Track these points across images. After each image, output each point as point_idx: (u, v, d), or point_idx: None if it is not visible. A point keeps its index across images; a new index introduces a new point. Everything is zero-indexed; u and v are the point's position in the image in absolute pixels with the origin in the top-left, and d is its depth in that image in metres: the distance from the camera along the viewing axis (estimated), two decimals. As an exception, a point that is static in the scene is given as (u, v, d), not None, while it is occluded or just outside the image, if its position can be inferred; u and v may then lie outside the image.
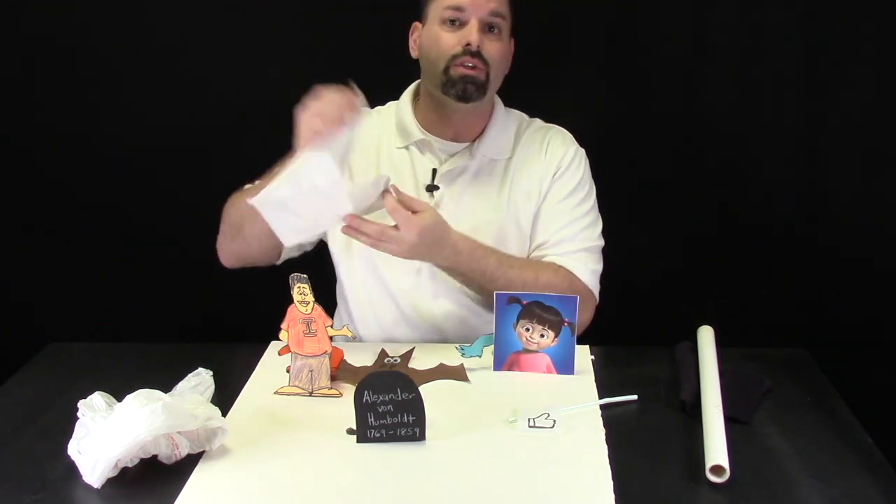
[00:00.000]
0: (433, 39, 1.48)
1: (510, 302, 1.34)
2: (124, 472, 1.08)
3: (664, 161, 2.04)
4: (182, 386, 1.27)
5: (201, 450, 1.12)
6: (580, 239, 1.53)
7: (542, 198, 1.55)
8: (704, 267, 2.06)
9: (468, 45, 1.44)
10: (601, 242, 1.56)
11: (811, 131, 2.00)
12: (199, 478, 1.08)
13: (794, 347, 1.47)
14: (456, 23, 1.45)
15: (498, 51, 1.47)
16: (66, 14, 1.98)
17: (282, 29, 1.99)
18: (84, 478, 1.07)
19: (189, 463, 1.10)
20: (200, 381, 1.28)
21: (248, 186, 1.52)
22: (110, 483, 1.07)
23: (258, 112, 1.93)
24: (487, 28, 1.46)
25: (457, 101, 1.47)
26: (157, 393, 1.13)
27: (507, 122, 1.59)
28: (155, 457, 1.09)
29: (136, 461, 1.09)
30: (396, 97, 1.62)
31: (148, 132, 2.03)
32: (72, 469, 1.10)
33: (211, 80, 1.96)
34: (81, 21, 1.98)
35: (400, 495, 1.04)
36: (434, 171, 1.55)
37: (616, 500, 1.02)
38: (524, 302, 1.34)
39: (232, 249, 1.52)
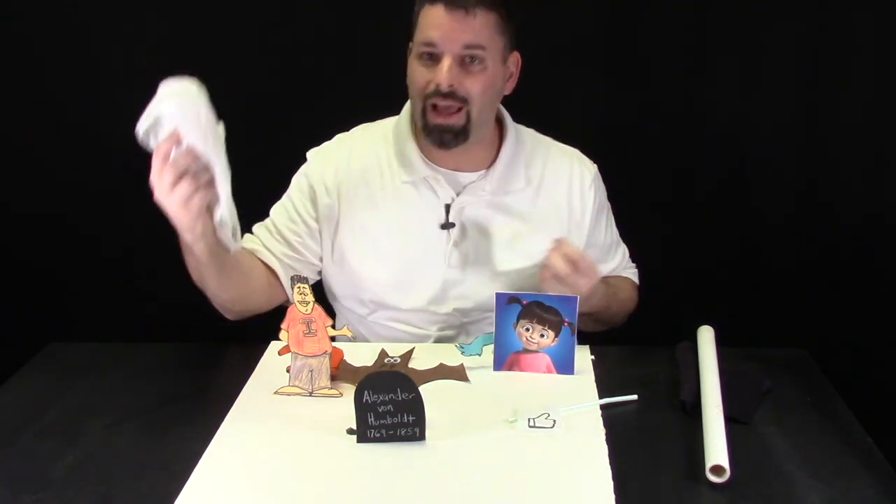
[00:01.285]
0: (411, 74, 1.40)
1: (510, 302, 1.34)
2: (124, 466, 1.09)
3: (663, 161, 2.04)
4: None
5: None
6: (624, 253, 1.66)
7: (587, 230, 1.54)
8: (705, 267, 2.07)
9: (438, 84, 1.35)
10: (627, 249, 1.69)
11: (812, 131, 2.00)
12: (199, 477, 1.08)
13: (794, 347, 1.46)
14: (431, 57, 1.36)
15: (478, 85, 1.37)
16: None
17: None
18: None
19: (188, 462, 1.10)
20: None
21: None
22: (109, 475, 1.08)
23: (256, 114, 1.93)
24: (468, 60, 1.36)
25: (437, 148, 1.42)
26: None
27: (518, 146, 1.50)
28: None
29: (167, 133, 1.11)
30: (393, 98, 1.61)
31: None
32: (72, 468, 1.10)
33: (211, 82, 1.96)
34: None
35: (400, 495, 1.04)
36: (447, 206, 1.47)
37: (616, 500, 1.02)
38: (524, 302, 1.34)
39: (221, 305, 1.44)
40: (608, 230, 1.61)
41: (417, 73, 1.38)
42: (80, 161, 2.07)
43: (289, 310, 1.27)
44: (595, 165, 1.59)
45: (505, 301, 1.34)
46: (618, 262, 1.64)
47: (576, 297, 1.34)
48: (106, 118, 2.03)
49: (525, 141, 1.53)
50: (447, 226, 1.48)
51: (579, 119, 1.67)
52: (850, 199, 2.01)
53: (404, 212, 1.47)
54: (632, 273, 1.68)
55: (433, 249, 1.48)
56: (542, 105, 1.68)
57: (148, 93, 1.15)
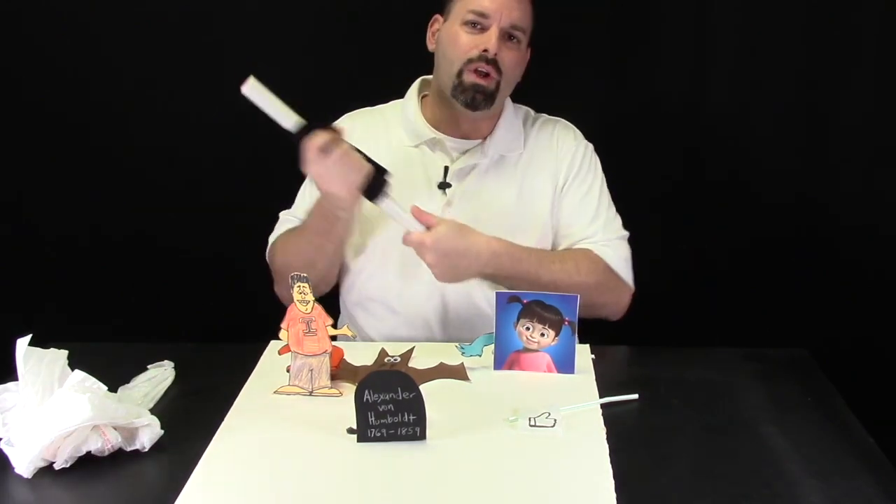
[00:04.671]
0: (452, 38, 1.50)
1: (510, 301, 1.35)
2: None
3: (664, 160, 2.05)
4: (139, 378, 1.30)
5: (134, 448, 1.14)
6: (607, 230, 1.58)
7: (561, 194, 1.58)
8: (705, 266, 2.07)
9: (485, 51, 1.47)
10: (625, 232, 1.61)
11: (813, 131, 2.01)
12: (199, 478, 1.08)
13: (794, 347, 1.47)
14: (477, 26, 1.48)
15: (513, 60, 1.50)
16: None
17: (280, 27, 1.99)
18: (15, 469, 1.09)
19: (188, 463, 1.11)
20: (157, 374, 1.31)
21: (283, 217, 1.58)
22: (106, 476, 1.09)
23: (255, 112, 1.93)
24: (507, 37, 1.49)
25: (464, 108, 1.51)
26: (91, 383, 1.14)
27: (515, 118, 1.62)
28: (89, 453, 1.11)
29: (73, 460, 1.10)
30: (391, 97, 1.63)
31: (144, 130, 2.03)
32: (68, 470, 1.11)
33: (212, 83, 1.95)
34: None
35: (400, 495, 1.05)
36: (446, 168, 1.57)
37: (617, 500, 1.02)
38: (524, 301, 1.35)
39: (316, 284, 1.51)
40: (586, 197, 1.59)
41: (463, 38, 1.49)
42: (77, 158, 2.06)
43: (288, 309, 1.27)
44: (591, 145, 1.63)
45: (505, 300, 1.35)
46: (582, 234, 1.57)
47: (576, 297, 1.35)
48: (104, 115, 2.04)
49: (518, 112, 1.64)
50: (444, 185, 1.56)
51: (580, 117, 1.67)
52: (852, 198, 2.02)
53: (404, 172, 1.51)
54: (609, 252, 1.55)
55: (431, 206, 1.50)
56: (543, 101, 1.69)
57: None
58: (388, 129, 1.60)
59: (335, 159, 1.34)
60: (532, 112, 1.67)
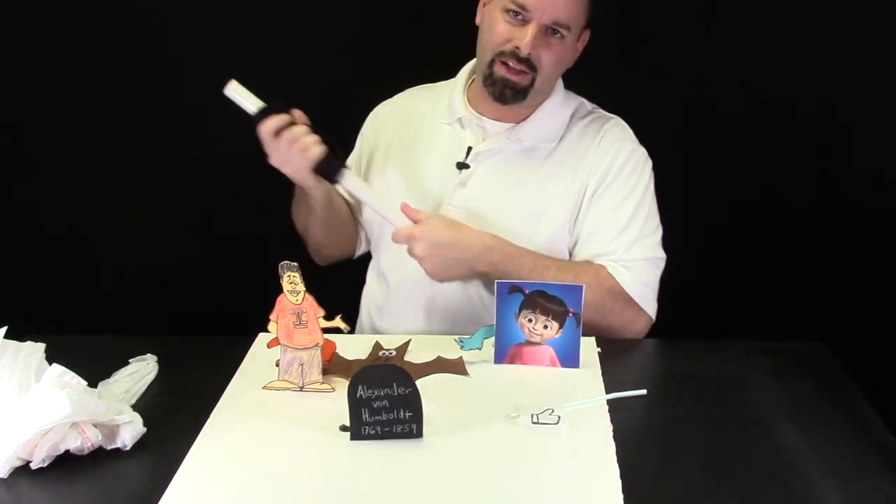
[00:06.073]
0: (491, 23, 1.48)
1: (512, 291, 1.34)
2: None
3: (675, 149, 2.03)
4: (120, 373, 1.30)
5: (115, 446, 1.13)
6: (632, 250, 1.51)
7: (591, 200, 1.52)
8: (716, 256, 2.07)
9: (517, 48, 1.44)
10: (658, 254, 1.54)
11: (828, 114, 2.00)
12: (183, 478, 1.08)
13: (810, 340, 1.46)
14: (518, 16, 1.44)
15: (552, 57, 1.47)
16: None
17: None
18: None
19: (172, 461, 1.10)
20: (139, 369, 1.31)
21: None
22: (89, 475, 1.09)
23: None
24: (550, 31, 1.45)
25: (494, 100, 1.50)
26: (70, 377, 1.14)
27: (560, 108, 1.58)
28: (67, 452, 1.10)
29: (50, 459, 1.10)
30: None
31: (134, 119, 2.05)
32: (48, 467, 1.10)
33: (202, 66, 1.96)
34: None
35: (396, 495, 1.04)
36: (469, 149, 1.56)
37: (624, 502, 1.02)
38: (526, 291, 1.34)
39: (317, 249, 1.67)
40: (619, 209, 1.51)
41: (500, 27, 1.46)
42: (68, 149, 2.09)
43: (278, 300, 1.26)
44: (642, 150, 1.56)
45: (506, 290, 1.34)
46: (600, 249, 1.51)
47: (581, 287, 1.33)
48: (94, 106, 2.03)
49: (570, 103, 1.60)
50: (461, 165, 1.55)
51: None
52: (869, 186, 2.01)
53: (431, 149, 1.59)
54: (624, 273, 1.49)
55: (441, 184, 1.56)
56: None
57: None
58: (434, 107, 1.63)
59: (284, 142, 1.41)
60: (587, 105, 1.61)
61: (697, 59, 2.02)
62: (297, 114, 1.44)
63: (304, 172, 1.45)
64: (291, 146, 1.42)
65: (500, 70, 1.47)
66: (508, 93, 1.48)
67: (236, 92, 1.44)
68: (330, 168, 1.46)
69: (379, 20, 2.01)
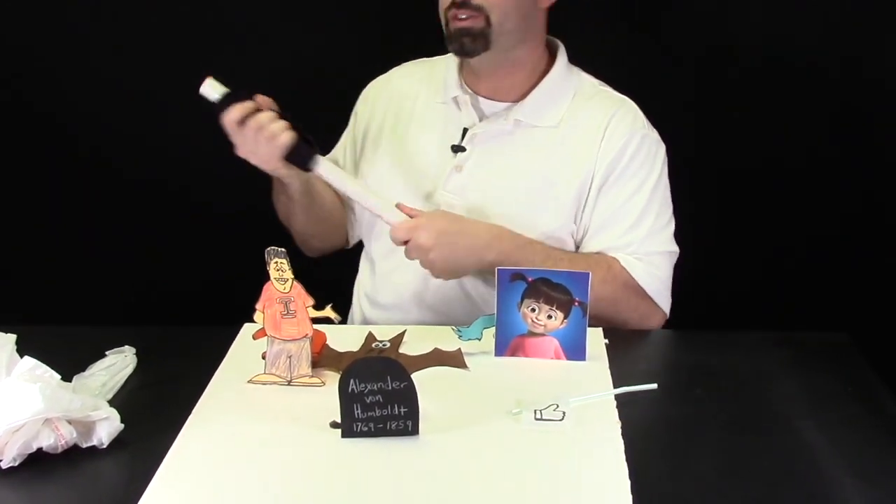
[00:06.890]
0: None
1: (514, 279, 1.32)
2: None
3: (686, 131, 2.03)
4: (96, 366, 1.29)
5: (91, 444, 1.13)
6: (646, 243, 1.49)
7: (599, 191, 1.49)
8: (734, 243, 2.06)
9: None
10: (672, 248, 1.52)
11: (845, 97, 1.99)
12: (163, 477, 1.06)
13: (833, 330, 1.45)
14: None
15: None
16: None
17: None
18: None
19: (153, 459, 1.09)
20: (117, 362, 1.31)
21: None
22: (67, 471, 1.09)
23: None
24: None
25: (461, 57, 1.50)
26: (42, 371, 1.14)
27: (562, 85, 1.54)
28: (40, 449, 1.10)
29: (22, 458, 1.09)
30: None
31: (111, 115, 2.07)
32: (29, 462, 1.10)
33: (186, 63, 1.98)
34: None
35: (390, 496, 1.04)
36: (465, 130, 1.54)
37: (633, 501, 1.00)
38: (529, 279, 1.32)
39: (304, 241, 1.66)
40: (631, 199, 1.49)
41: None
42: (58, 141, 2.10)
43: (264, 288, 1.25)
44: (654, 135, 1.53)
45: (508, 278, 1.32)
46: (613, 243, 1.49)
47: (587, 274, 1.31)
48: (80, 97, 2.04)
49: (572, 80, 1.56)
50: (457, 148, 1.54)
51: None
52: (891, 168, 2.00)
53: (425, 129, 1.58)
54: (637, 266, 1.48)
55: (436, 167, 1.55)
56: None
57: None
58: (430, 83, 1.61)
59: (250, 131, 1.40)
60: (593, 83, 1.57)
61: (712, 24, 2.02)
62: (262, 99, 1.42)
63: (274, 162, 1.43)
64: (258, 135, 1.40)
65: (453, 24, 1.46)
66: (467, 41, 1.45)
67: (213, 90, 1.42)
68: (301, 155, 1.44)
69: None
